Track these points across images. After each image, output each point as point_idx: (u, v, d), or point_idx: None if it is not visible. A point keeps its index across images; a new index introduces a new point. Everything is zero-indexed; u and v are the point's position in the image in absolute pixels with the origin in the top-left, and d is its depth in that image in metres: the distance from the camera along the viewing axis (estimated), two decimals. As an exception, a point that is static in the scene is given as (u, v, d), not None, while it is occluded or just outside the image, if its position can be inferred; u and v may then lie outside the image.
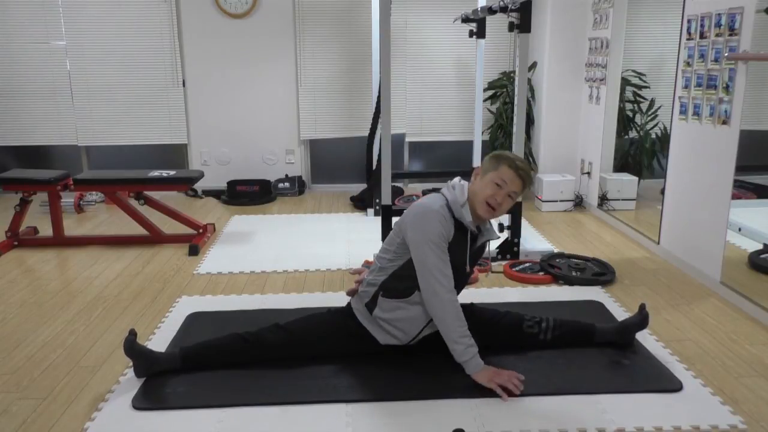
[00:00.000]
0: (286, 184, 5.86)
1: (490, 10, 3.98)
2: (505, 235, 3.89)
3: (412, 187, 6.15)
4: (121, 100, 5.72)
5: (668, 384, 2.38)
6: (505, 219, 3.91)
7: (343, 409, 2.23)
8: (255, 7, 5.62)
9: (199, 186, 5.60)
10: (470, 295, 3.29)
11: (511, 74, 5.70)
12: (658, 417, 2.17)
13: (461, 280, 2.51)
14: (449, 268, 2.34)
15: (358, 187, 5.86)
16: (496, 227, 3.68)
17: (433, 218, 2.32)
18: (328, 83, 5.83)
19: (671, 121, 3.83)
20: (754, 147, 3.52)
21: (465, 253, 2.45)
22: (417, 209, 2.38)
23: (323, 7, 5.66)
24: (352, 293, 2.59)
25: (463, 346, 2.31)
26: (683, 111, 3.70)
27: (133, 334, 2.38)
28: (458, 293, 2.47)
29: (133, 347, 2.38)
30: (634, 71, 4.96)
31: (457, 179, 2.47)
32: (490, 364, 2.48)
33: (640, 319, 2.66)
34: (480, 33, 4.85)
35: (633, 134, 5.10)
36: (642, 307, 2.67)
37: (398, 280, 2.41)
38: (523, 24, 3.55)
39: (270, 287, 3.49)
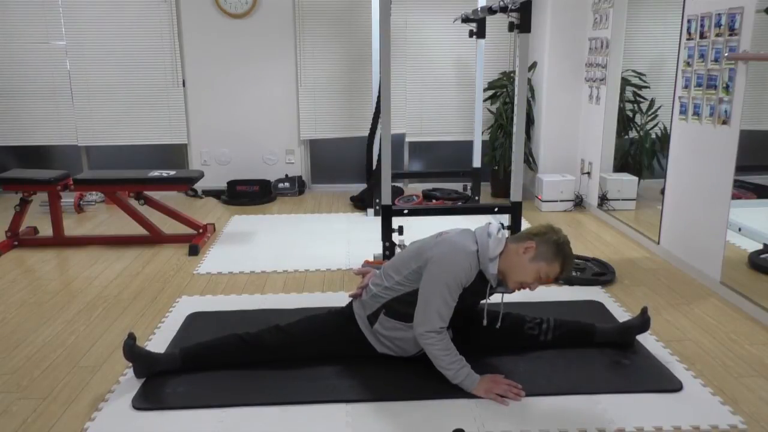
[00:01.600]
0: (286, 184, 5.86)
1: (490, 10, 3.98)
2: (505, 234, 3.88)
3: (412, 187, 6.15)
4: (121, 100, 5.72)
5: (668, 384, 2.38)
6: (505, 219, 3.91)
7: (343, 409, 2.23)
8: (255, 7, 5.62)
9: (199, 186, 5.60)
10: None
11: (511, 74, 5.70)
12: (658, 417, 2.17)
13: (459, 316, 2.44)
14: (450, 312, 2.31)
15: (358, 187, 5.86)
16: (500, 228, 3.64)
17: (461, 262, 2.27)
18: (328, 83, 5.83)
19: (671, 121, 3.83)
20: (754, 147, 3.52)
21: (477, 302, 2.47)
22: (448, 246, 2.31)
23: (323, 7, 5.66)
24: (355, 297, 2.58)
25: (453, 371, 2.30)
26: (683, 111, 3.70)
27: (132, 338, 2.38)
28: (456, 324, 2.48)
29: (132, 351, 2.38)
30: (634, 71, 4.96)
31: (496, 227, 2.38)
32: (491, 365, 2.49)
33: (642, 322, 2.66)
34: (480, 33, 4.85)
35: (633, 134, 5.10)
36: (644, 311, 2.67)
37: (403, 305, 2.38)
38: (523, 24, 3.55)
39: (270, 287, 3.49)
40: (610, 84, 4.76)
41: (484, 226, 2.41)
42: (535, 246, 2.31)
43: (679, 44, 3.71)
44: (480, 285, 2.35)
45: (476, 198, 5.29)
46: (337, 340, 2.52)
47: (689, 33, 3.61)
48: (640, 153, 5.05)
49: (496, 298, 2.51)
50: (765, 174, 3.98)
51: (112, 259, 3.98)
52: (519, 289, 2.38)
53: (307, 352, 2.52)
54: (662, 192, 3.96)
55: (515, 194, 3.79)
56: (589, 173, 5.11)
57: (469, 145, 5.28)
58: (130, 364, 2.46)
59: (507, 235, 2.43)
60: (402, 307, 2.38)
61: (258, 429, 2.13)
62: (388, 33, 3.49)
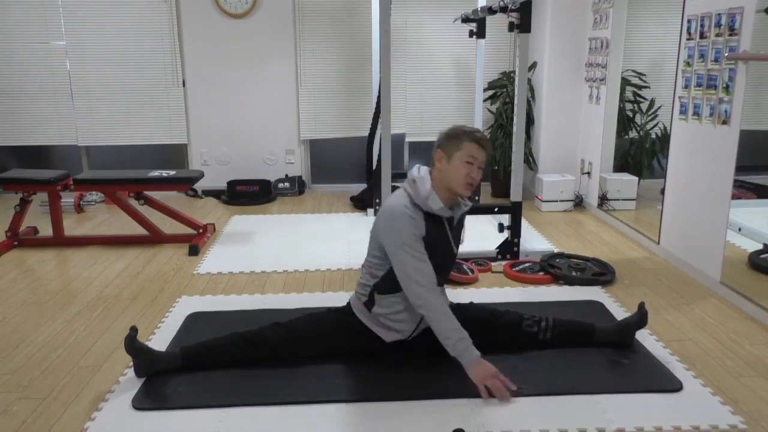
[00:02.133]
0: (286, 184, 5.86)
1: (490, 10, 3.98)
2: (505, 235, 3.89)
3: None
4: (121, 100, 5.72)
5: (668, 384, 2.38)
6: (505, 219, 3.92)
7: (343, 409, 2.23)
8: (255, 7, 5.62)
9: (199, 186, 5.60)
10: (470, 295, 3.29)
11: (511, 74, 5.70)
12: (658, 417, 2.17)
13: (448, 265, 2.54)
14: (427, 265, 2.34)
15: (358, 187, 5.86)
16: (493, 223, 3.66)
17: (400, 218, 2.34)
18: (328, 83, 5.83)
19: (671, 121, 3.83)
20: (754, 147, 3.52)
21: (447, 239, 2.46)
22: (385, 213, 2.39)
23: (323, 7, 5.66)
24: None
25: (453, 340, 2.32)
26: (683, 111, 3.70)
27: (134, 330, 2.39)
28: (447, 277, 2.53)
29: (133, 344, 2.38)
30: (634, 71, 4.96)
31: (415, 169, 2.46)
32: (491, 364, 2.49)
33: (640, 318, 2.67)
34: (480, 33, 4.85)
35: (633, 134, 5.10)
36: (641, 306, 2.68)
37: (390, 281, 2.42)
38: (523, 24, 3.55)
39: (270, 287, 3.49)
40: (610, 84, 4.76)
41: (408, 174, 2.46)
42: (440, 150, 2.40)
43: (679, 44, 3.71)
44: (437, 224, 2.40)
45: (476, 198, 5.29)
46: (340, 336, 2.52)
47: (689, 33, 3.61)
48: (640, 153, 5.05)
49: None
50: (765, 174, 3.98)
51: (112, 259, 3.98)
52: (470, 189, 2.38)
53: (309, 349, 2.53)
54: (662, 192, 3.96)
55: (515, 194, 3.80)
56: (589, 173, 5.12)
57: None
58: (130, 364, 2.47)
59: (428, 168, 2.46)
60: (391, 283, 2.42)
61: (258, 429, 2.13)
62: (388, 33, 3.49)
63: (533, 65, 5.48)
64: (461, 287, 3.44)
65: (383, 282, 2.45)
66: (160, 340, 2.80)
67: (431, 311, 2.33)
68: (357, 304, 2.54)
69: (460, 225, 2.58)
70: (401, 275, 2.36)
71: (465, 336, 2.33)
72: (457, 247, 2.57)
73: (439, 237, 2.43)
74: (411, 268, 2.33)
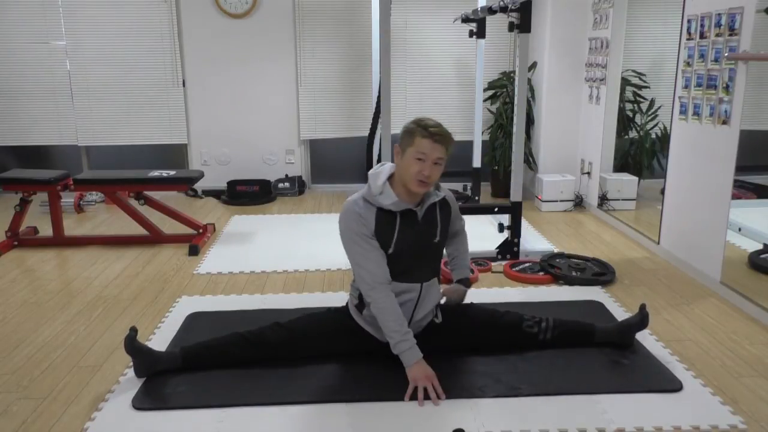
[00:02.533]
0: (286, 184, 5.86)
1: (490, 10, 3.98)
2: (505, 234, 3.89)
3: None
4: (121, 100, 5.72)
5: (668, 384, 2.38)
6: (505, 219, 3.92)
7: (343, 409, 2.23)
8: (255, 7, 5.62)
9: (199, 186, 5.60)
10: (470, 295, 3.28)
11: (511, 74, 5.70)
12: (658, 417, 2.17)
13: (415, 260, 2.42)
14: (373, 263, 2.33)
15: (358, 187, 5.83)
16: (493, 223, 3.66)
17: (349, 215, 2.37)
18: (328, 83, 5.83)
19: (671, 121, 3.83)
20: (754, 147, 3.52)
21: (392, 236, 2.36)
22: (341, 212, 2.42)
23: (323, 7, 5.66)
24: None
25: (395, 340, 2.32)
26: (683, 111, 3.70)
27: (133, 330, 2.39)
28: (425, 271, 2.45)
29: (133, 344, 2.38)
30: (634, 71, 4.96)
31: (377, 165, 2.46)
32: (491, 364, 2.49)
33: (640, 319, 2.66)
34: (480, 33, 4.86)
35: (633, 134, 5.10)
36: (642, 307, 2.67)
37: None
38: (523, 24, 3.55)
39: (270, 287, 3.49)
40: (610, 84, 4.76)
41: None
42: (397, 145, 2.37)
43: (679, 44, 3.71)
44: (389, 219, 2.37)
45: (476, 198, 5.29)
46: (339, 336, 2.52)
47: (689, 33, 3.61)
48: (640, 153, 5.05)
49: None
50: (765, 174, 3.98)
51: (112, 259, 3.98)
52: (425, 187, 2.33)
53: (309, 349, 2.52)
54: (662, 192, 3.96)
55: (515, 194, 3.80)
56: (589, 173, 5.12)
57: (469, 145, 5.28)
58: (131, 364, 2.47)
59: (388, 166, 2.44)
60: None
61: (258, 429, 2.13)
62: (388, 33, 3.49)
63: (533, 65, 5.48)
64: (461, 287, 3.44)
65: None
66: (160, 340, 2.80)
67: (375, 309, 2.34)
68: (351, 305, 2.55)
69: (432, 219, 2.46)
70: (353, 271, 2.39)
71: (408, 338, 2.33)
72: (422, 244, 2.44)
73: (392, 232, 2.37)
74: (357, 265, 2.36)
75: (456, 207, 2.60)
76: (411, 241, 2.40)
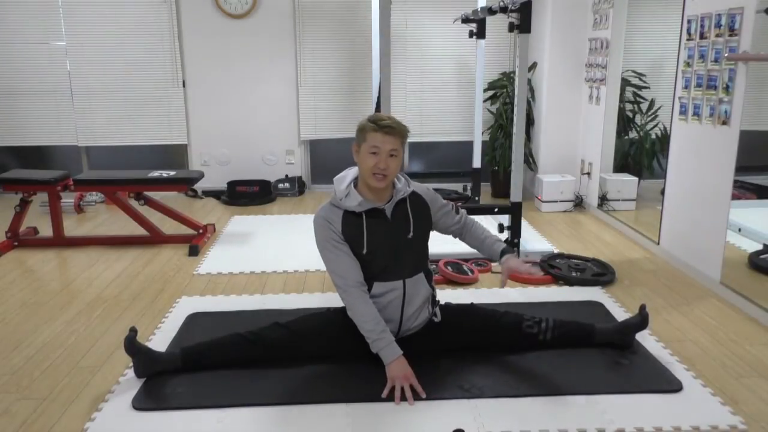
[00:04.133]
0: (286, 185, 5.86)
1: (490, 11, 3.98)
2: (505, 235, 3.89)
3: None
4: (121, 100, 5.72)
5: (668, 384, 2.38)
6: (505, 219, 3.91)
7: (343, 409, 2.23)
8: (255, 8, 5.62)
9: (199, 186, 5.59)
10: (470, 295, 3.29)
11: (511, 74, 5.70)
12: (658, 417, 2.17)
13: (390, 258, 2.42)
14: (343, 266, 2.38)
15: (358, 188, 5.85)
16: (492, 224, 3.67)
17: (317, 225, 2.45)
18: (328, 83, 5.83)
19: (671, 122, 3.83)
20: (754, 147, 3.52)
21: (362, 236, 2.38)
22: (313, 220, 2.47)
23: (323, 7, 5.66)
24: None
25: (371, 339, 2.35)
26: (683, 111, 3.70)
27: (133, 331, 2.39)
28: (406, 268, 2.44)
29: (133, 344, 2.38)
30: (634, 71, 4.96)
31: (344, 171, 2.50)
32: (491, 364, 2.49)
33: (640, 320, 2.66)
34: (480, 33, 4.86)
35: (633, 134, 5.10)
36: (642, 308, 2.67)
37: None
38: (523, 24, 3.55)
39: (270, 287, 3.49)
40: (610, 84, 4.76)
41: None
42: (354, 144, 2.42)
43: (679, 45, 3.71)
44: (356, 221, 2.40)
45: (476, 198, 5.29)
46: (339, 336, 2.52)
47: (689, 33, 3.61)
48: (640, 153, 5.05)
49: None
50: (765, 174, 3.98)
51: (112, 260, 3.98)
52: (384, 181, 2.33)
53: (309, 349, 2.52)
54: (662, 192, 3.96)
55: (515, 194, 3.79)
56: (589, 173, 5.12)
57: (469, 145, 5.28)
58: (131, 365, 2.47)
59: (352, 170, 2.49)
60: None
61: (258, 429, 2.13)
62: (388, 33, 3.49)
63: (533, 65, 5.48)
64: (461, 288, 3.44)
65: None
66: (160, 340, 2.80)
67: (351, 311, 2.39)
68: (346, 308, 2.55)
69: (403, 215, 2.45)
70: (329, 275, 2.44)
71: (383, 336, 2.34)
72: (396, 242, 2.42)
73: (362, 233, 2.39)
74: (330, 270, 2.43)
75: (437, 200, 2.56)
76: (383, 239, 2.41)
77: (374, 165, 2.32)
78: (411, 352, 2.51)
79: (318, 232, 2.44)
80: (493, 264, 3.76)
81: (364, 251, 2.40)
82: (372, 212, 2.40)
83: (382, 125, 2.31)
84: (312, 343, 2.52)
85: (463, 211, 2.68)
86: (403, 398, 2.26)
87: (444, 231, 2.65)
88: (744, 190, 3.79)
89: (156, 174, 4.27)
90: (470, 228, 2.67)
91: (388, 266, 2.42)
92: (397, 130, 2.33)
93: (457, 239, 2.69)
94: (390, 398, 2.27)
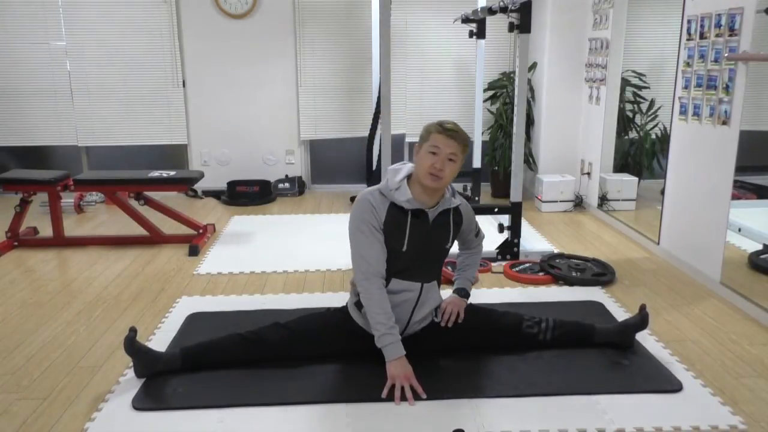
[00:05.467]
0: (286, 185, 5.86)
1: (490, 11, 3.98)
2: (505, 235, 3.89)
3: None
4: (121, 100, 5.72)
5: (668, 384, 2.38)
6: (505, 219, 3.92)
7: (343, 409, 2.23)
8: (255, 8, 5.63)
9: (199, 186, 5.60)
10: (470, 295, 3.28)
11: (511, 74, 5.70)
12: (658, 417, 2.17)
13: (413, 259, 2.44)
14: (374, 253, 2.36)
15: (358, 188, 5.86)
16: (493, 224, 3.67)
17: (360, 205, 2.39)
18: (328, 83, 5.83)
19: (671, 122, 3.84)
20: (754, 147, 3.52)
21: (404, 234, 2.39)
22: (355, 201, 2.44)
23: (323, 7, 5.66)
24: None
25: (380, 332, 2.34)
26: (683, 111, 3.70)
27: (133, 331, 2.39)
28: (425, 271, 2.47)
29: (132, 344, 2.38)
30: (634, 72, 4.96)
31: (399, 163, 2.50)
32: (491, 364, 2.49)
33: (640, 320, 2.67)
34: (480, 33, 4.86)
35: (633, 135, 5.10)
36: (642, 308, 2.67)
37: None
38: (523, 24, 3.55)
39: (270, 287, 3.49)
40: (610, 84, 4.76)
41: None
42: (417, 144, 2.44)
43: (679, 45, 3.71)
44: (399, 216, 2.40)
45: (476, 198, 5.29)
46: (339, 336, 2.53)
47: (689, 33, 3.61)
48: (640, 153, 5.05)
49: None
50: (765, 174, 3.98)
51: (112, 260, 3.98)
52: (437, 182, 2.34)
53: (309, 349, 2.53)
54: (662, 192, 3.96)
55: (515, 195, 3.80)
56: (589, 173, 5.12)
57: (469, 145, 5.28)
58: (131, 365, 2.47)
59: (408, 165, 2.49)
60: None
61: (258, 429, 2.13)
62: (388, 33, 3.49)
63: (533, 65, 5.48)
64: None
65: None
66: (160, 340, 2.80)
67: (365, 299, 2.37)
68: (350, 304, 2.56)
69: (444, 224, 2.48)
70: (352, 258, 2.41)
71: (393, 332, 2.34)
72: (430, 247, 2.47)
73: (400, 230, 2.39)
74: (357, 253, 2.39)
75: (470, 219, 2.63)
76: (421, 241, 2.43)
77: (431, 165, 2.34)
78: (411, 351, 2.51)
79: (359, 211, 2.39)
80: (492, 264, 3.77)
81: (404, 248, 2.41)
82: (417, 212, 2.42)
83: (447, 128, 2.37)
84: (312, 343, 2.52)
85: (482, 235, 2.75)
86: (404, 398, 2.26)
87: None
88: (744, 190, 3.79)
89: (156, 174, 4.27)
90: (476, 249, 2.76)
91: (413, 267, 2.44)
92: (460, 136, 2.39)
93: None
94: (390, 398, 2.27)
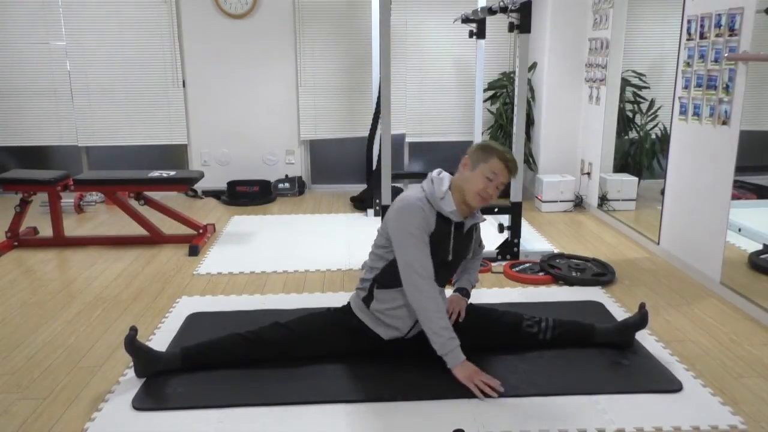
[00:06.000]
0: (286, 185, 5.86)
1: (490, 11, 3.98)
2: (506, 235, 3.89)
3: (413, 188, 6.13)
4: (121, 100, 5.72)
5: (668, 384, 2.38)
6: (505, 219, 3.92)
7: (343, 409, 2.24)
8: (255, 8, 5.63)
9: (199, 186, 5.60)
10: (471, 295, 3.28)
11: (511, 74, 5.70)
12: (658, 417, 2.17)
13: (446, 270, 2.54)
14: (429, 259, 2.37)
15: (358, 188, 5.86)
16: (492, 224, 3.67)
17: (413, 211, 2.37)
18: (328, 83, 5.83)
19: (671, 122, 3.84)
20: (754, 147, 3.52)
21: (449, 243, 2.46)
22: (398, 204, 2.43)
23: (323, 7, 5.66)
24: None
25: (443, 339, 2.33)
26: (683, 111, 3.70)
27: (133, 330, 2.39)
28: (444, 283, 2.53)
29: (133, 344, 2.38)
30: (634, 72, 4.96)
31: (436, 171, 2.52)
32: (491, 364, 2.49)
33: (640, 318, 2.67)
34: (480, 33, 4.86)
35: (633, 135, 5.10)
36: (641, 306, 2.68)
37: (391, 274, 2.43)
38: (523, 24, 3.55)
39: (270, 287, 3.49)
40: (610, 84, 4.76)
41: (428, 175, 2.52)
42: (468, 157, 2.48)
43: (679, 45, 3.71)
44: (444, 226, 2.43)
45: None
46: (339, 335, 2.53)
47: (689, 33, 3.61)
48: (640, 153, 5.05)
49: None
50: (765, 174, 3.98)
51: (112, 260, 3.98)
52: (483, 204, 2.43)
53: (309, 349, 2.53)
54: (662, 192, 3.96)
55: (515, 194, 3.80)
56: (589, 174, 5.12)
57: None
58: (131, 364, 2.47)
59: (448, 175, 2.53)
60: (391, 275, 2.43)
61: (258, 429, 2.13)
62: (388, 33, 3.49)
63: (533, 65, 5.48)
64: (461, 287, 3.44)
65: (383, 274, 2.46)
66: (160, 340, 2.80)
67: (424, 303, 2.34)
68: (356, 302, 2.55)
69: (470, 236, 2.58)
70: (402, 264, 2.37)
71: (455, 336, 2.34)
72: (461, 257, 2.58)
73: (443, 240, 2.44)
74: (413, 258, 2.35)
75: (480, 233, 2.73)
76: (459, 251, 2.51)
77: (483, 188, 2.39)
78: (411, 351, 2.52)
79: (410, 216, 2.37)
80: (492, 264, 3.77)
81: (450, 258, 2.46)
82: (458, 224, 2.47)
83: (509, 160, 2.43)
84: (312, 343, 2.52)
85: (483, 245, 2.83)
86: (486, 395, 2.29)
87: None
88: (744, 190, 3.79)
89: (156, 174, 4.27)
90: (478, 255, 2.80)
91: (439, 274, 2.45)
92: (515, 171, 2.47)
93: None
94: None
